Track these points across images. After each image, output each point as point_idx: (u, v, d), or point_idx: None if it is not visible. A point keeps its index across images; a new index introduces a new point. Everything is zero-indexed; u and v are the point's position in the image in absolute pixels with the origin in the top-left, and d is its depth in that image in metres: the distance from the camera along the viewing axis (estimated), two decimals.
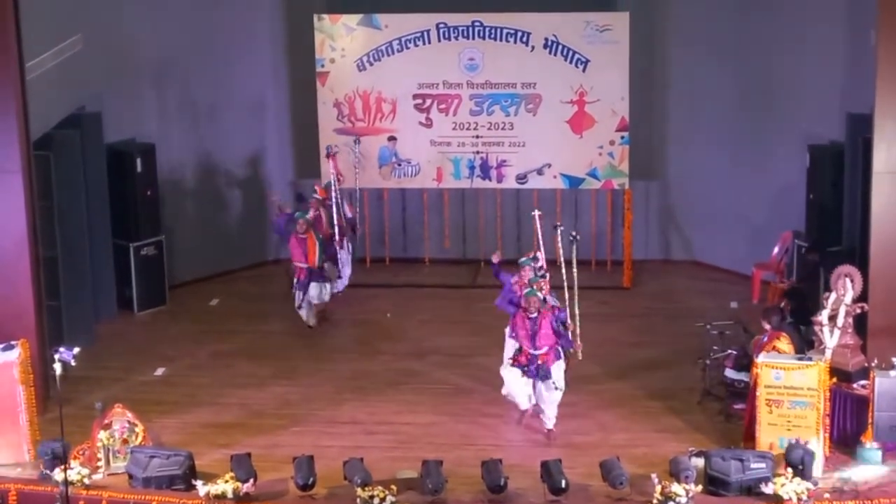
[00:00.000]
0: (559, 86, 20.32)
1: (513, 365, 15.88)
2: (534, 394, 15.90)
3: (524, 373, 15.79)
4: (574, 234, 16.74)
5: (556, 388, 15.72)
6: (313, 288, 18.86)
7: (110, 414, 15.10)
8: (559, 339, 15.76)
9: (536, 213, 17.36)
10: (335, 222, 19.30)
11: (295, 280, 18.92)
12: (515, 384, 15.88)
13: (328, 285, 19.04)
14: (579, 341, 16.14)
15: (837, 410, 15.16)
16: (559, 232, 16.78)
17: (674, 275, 21.08)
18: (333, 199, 19.40)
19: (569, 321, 16.02)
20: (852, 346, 15.62)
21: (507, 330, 16.31)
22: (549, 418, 15.89)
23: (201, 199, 21.08)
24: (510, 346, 16.23)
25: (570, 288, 16.22)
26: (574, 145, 20.43)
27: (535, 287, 15.78)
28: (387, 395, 17.08)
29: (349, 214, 19.77)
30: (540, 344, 15.66)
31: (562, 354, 15.93)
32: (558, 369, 15.84)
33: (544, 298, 15.98)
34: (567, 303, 16.25)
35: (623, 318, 19.49)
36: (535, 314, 15.62)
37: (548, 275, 16.61)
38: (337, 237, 19.29)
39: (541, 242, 17.01)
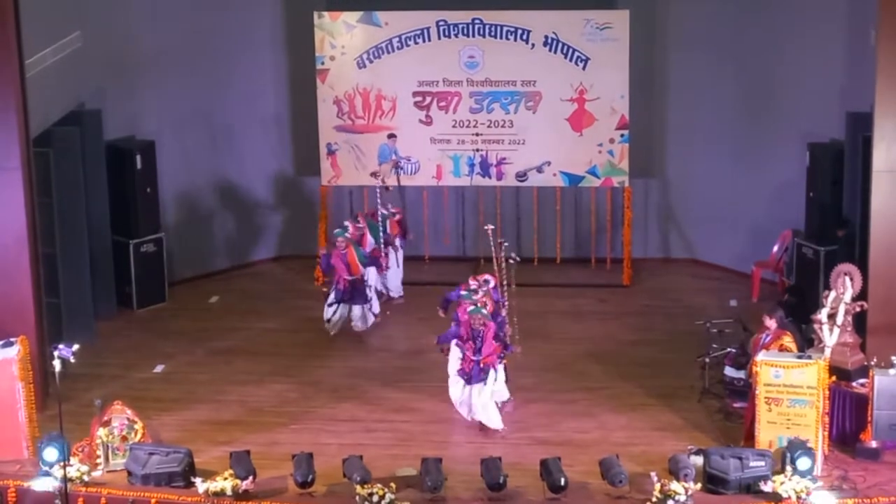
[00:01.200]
0: (559, 83, 20.33)
1: (458, 373, 15.98)
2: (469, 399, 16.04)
3: (461, 378, 15.89)
4: (514, 256, 17.02)
5: (490, 388, 15.88)
6: (356, 310, 18.69)
7: (109, 411, 15.10)
8: (502, 348, 16.03)
9: (490, 227, 17.39)
10: (382, 239, 19.37)
11: (333, 290, 18.67)
12: (458, 397, 16.01)
13: (370, 309, 18.84)
14: (517, 338, 16.51)
15: (837, 409, 15.16)
16: (490, 234, 17.03)
17: (673, 273, 21.08)
18: (379, 216, 19.51)
19: (507, 326, 16.38)
20: (852, 345, 15.62)
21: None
22: (489, 421, 15.93)
23: (201, 197, 21.07)
24: (455, 353, 16.25)
25: (508, 285, 16.64)
26: (574, 143, 20.44)
27: (479, 304, 15.95)
28: (386, 392, 17.08)
29: (399, 217, 19.85)
30: (484, 352, 15.83)
31: (502, 359, 16.21)
32: (500, 377, 16.09)
33: (495, 314, 16.18)
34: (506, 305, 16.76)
35: (622, 316, 19.49)
36: (481, 328, 15.79)
37: (492, 279, 16.83)
38: (382, 254, 19.37)
39: (499, 259, 16.98)
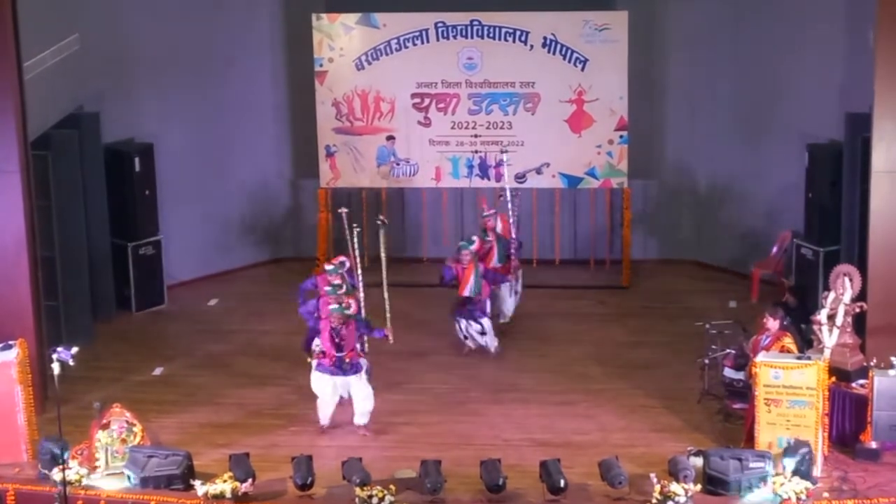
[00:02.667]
0: (558, 85, 20.32)
1: (318, 368, 15.94)
2: (343, 394, 16.04)
3: (333, 373, 15.85)
4: (381, 218, 16.95)
5: (368, 382, 16.00)
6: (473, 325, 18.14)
7: (108, 414, 15.10)
8: (363, 337, 16.09)
9: (344, 210, 17.21)
10: (511, 253, 18.67)
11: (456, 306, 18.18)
12: (322, 395, 15.98)
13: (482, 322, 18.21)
14: (390, 325, 16.46)
15: (836, 410, 15.16)
16: (345, 217, 16.75)
17: (672, 274, 21.07)
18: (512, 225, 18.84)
19: (389, 330, 16.40)
20: (851, 346, 15.61)
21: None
22: (362, 414, 15.97)
23: (199, 199, 21.03)
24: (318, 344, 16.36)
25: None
26: (573, 144, 20.42)
27: (342, 304, 15.91)
28: (385, 394, 17.03)
29: (513, 236, 18.97)
30: (345, 348, 15.85)
31: (364, 356, 16.29)
32: (365, 371, 16.17)
33: (356, 315, 16.12)
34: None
35: (622, 318, 19.49)
36: (341, 326, 15.82)
37: (347, 262, 16.80)
38: (514, 266, 18.71)
39: (353, 244, 16.84)
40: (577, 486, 14.36)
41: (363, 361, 16.11)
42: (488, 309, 18.12)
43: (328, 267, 16.61)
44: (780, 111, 19.88)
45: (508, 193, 18.88)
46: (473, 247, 18.17)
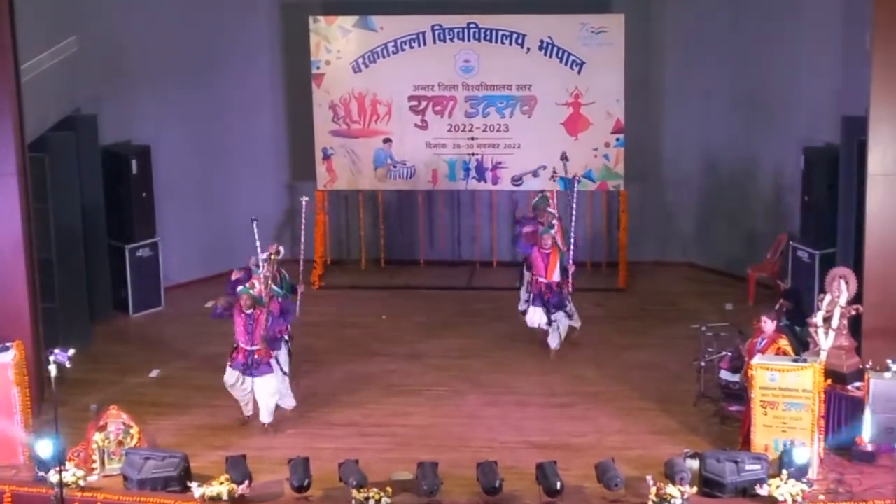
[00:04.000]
0: (554, 88, 20.34)
1: (231, 365, 16.05)
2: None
3: (242, 371, 15.98)
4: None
5: (283, 374, 16.15)
6: (562, 318, 18.05)
7: (105, 416, 15.11)
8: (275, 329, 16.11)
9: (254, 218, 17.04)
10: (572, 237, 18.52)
11: (529, 293, 18.12)
12: (235, 390, 16.14)
13: (569, 318, 18.21)
14: None
15: (832, 412, 15.17)
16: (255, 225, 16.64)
17: (669, 276, 21.07)
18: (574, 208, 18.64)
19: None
20: (847, 348, 15.63)
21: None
22: (266, 412, 16.07)
23: (197, 201, 21.02)
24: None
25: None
26: (569, 147, 20.42)
27: (246, 286, 16.09)
28: (382, 397, 17.08)
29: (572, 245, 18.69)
30: (255, 340, 15.90)
31: (282, 346, 16.31)
32: (282, 361, 16.24)
33: (261, 298, 16.14)
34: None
35: (618, 320, 19.49)
36: (250, 311, 15.90)
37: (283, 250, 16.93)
38: (572, 252, 18.48)
39: (257, 246, 16.70)
40: (573, 489, 14.37)
41: (276, 361, 16.10)
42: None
43: (261, 257, 16.58)
44: (776, 114, 19.88)
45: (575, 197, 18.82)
46: (554, 230, 18.16)
